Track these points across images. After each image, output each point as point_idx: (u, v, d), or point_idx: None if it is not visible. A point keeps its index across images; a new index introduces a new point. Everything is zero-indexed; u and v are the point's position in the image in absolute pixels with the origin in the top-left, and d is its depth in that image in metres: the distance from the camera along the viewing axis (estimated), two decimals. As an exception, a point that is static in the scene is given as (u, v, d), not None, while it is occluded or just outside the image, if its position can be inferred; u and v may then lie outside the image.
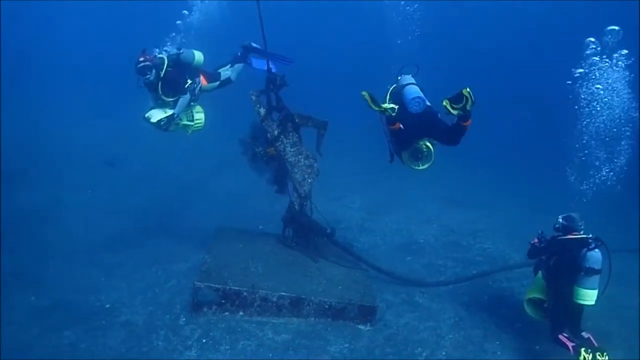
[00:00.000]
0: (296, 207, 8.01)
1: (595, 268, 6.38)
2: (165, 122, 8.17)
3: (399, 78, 7.23)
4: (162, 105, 8.30)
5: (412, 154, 7.23)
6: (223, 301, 6.77)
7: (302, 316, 6.89)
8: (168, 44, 8.48)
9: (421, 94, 6.59)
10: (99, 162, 13.14)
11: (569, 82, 9.78)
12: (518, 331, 7.32)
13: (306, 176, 7.92)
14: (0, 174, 10.27)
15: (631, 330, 7.43)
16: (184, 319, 6.70)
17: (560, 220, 6.92)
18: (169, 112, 8.22)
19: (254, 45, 9.08)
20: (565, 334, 6.52)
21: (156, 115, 8.15)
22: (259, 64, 8.97)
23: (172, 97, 8.24)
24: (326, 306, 6.90)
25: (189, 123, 8.65)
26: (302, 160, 7.91)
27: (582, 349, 6.21)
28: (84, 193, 11.18)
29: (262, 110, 7.78)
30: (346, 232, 10.35)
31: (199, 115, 8.71)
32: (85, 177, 12.02)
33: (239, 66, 9.12)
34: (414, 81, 7.00)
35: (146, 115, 8.19)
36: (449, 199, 13.89)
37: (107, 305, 6.94)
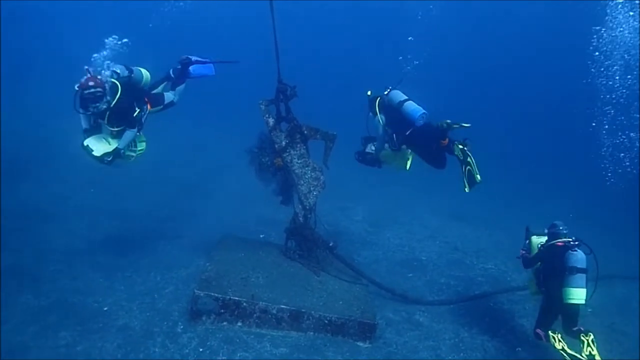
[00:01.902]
0: (300, 219, 7.95)
1: (578, 266, 6.68)
2: (111, 158, 7.27)
3: (387, 92, 8.03)
4: (100, 130, 7.42)
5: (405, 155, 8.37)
6: (222, 311, 6.70)
7: (301, 330, 6.82)
8: (110, 64, 7.26)
9: (423, 110, 7.54)
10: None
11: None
12: (518, 356, 7.23)
13: (312, 188, 7.87)
14: (2, 171, 10.24)
15: (631, 358, 7.38)
16: (181, 327, 6.64)
17: (546, 231, 7.35)
18: (113, 143, 7.33)
19: (194, 58, 8.27)
20: (542, 330, 6.85)
21: (99, 147, 7.21)
22: (201, 71, 8.41)
23: (117, 127, 7.33)
24: (326, 321, 6.83)
25: (131, 153, 7.68)
26: (309, 172, 7.86)
27: (550, 332, 6.63)
28: (86, 192, 11.16)
29: (271, 121, 7.75)
30: (348, 245, 10.28)
31: (142, 145, 7.80)
32: (89, 177, 11.99)
33: (180, 88, 8.26)
34: (406, 97, 7.77)
35: (85, 144, 7.21)
36: (453, 213, 13.86)
37: (105, 308, 6.88)
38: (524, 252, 7.54)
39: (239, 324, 6.75)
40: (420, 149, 7.91)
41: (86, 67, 6.96)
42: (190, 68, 8.23)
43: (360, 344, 6.90)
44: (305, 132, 7.87)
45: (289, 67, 7.77)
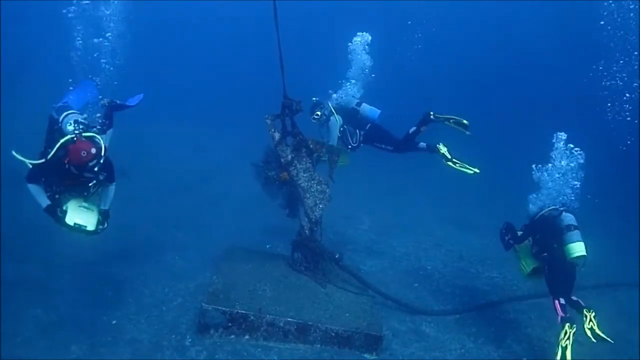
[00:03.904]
0: (306, 232, 8.01)
1: (573, 224, 7.26)
2: (105, 224, 6.58)
3: (342, 97, 9.29)
4: (68, 193, 6.36)
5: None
6: (230, 324, 6.77)
7: (308, 342, 6.88)
8: (76, 116, 6.28)
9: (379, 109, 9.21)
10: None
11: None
12: (524, 366, 7.30)
13: (318, 202, 7.93)
14: (4, 180, 10.22)
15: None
16: (189, 340, 6.71)
17: (531, 206, 7.98)
18: (93, 207, 6.44)
19: (118, 101, 7.57)
20: (562, 301, 7.04)
21: (88, 220, 6.29)
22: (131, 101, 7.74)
23: (95, 188, 6.44)
24: (333, 334, 6.88)
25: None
26: (315, 185, 7.92)
27: (567, 324, 6.74)
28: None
29: (277, 135, 7.81)
30: (354, 255, 10.34)
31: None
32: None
33: (110, 132, 7.29)
34: (358, 99, 9.30)
35: (72, 223, 6.18)
36: (458, 222, 13.87)
37: (114, 321, 6.94)
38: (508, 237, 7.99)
39: (247, 336, 6.82)
40: (381, 139, 9.21)
41: (77, 125, 6.00)
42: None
43: (366, 355, 6.95)
44: (311, 146, 7.95)
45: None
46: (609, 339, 6.55)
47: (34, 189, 6.24)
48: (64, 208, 6.24)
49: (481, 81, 27.80)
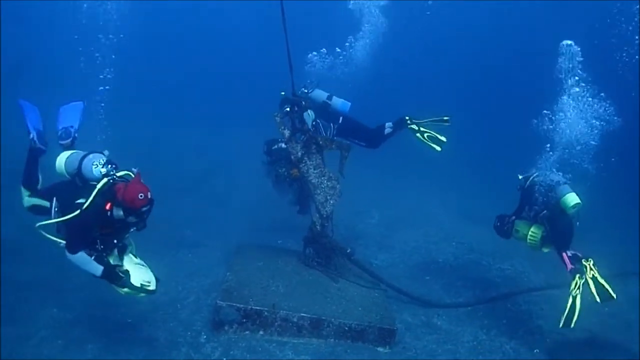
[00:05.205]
0: (318, 227, 8.05)
1: (561, 180, 7.58)
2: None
3: (310, 91, 8.99)
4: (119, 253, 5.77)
5: None
6: (244, 320, 6.83)
7: (322, 337, 6.94)
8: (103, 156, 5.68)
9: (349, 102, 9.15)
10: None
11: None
12: (536, 357, 7.31)
13: (328, 197, 7.98)
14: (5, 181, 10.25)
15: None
16: (204, 337, 6.77)
17: (520, 177, 8.36)
18: (143, 262, 5.94)
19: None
20: (569, 254, 7.25)
21: (149, 276, 5.76)
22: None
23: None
24: (346, 328, 6.94)
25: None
26: (325, 181, 7.96)
27: (577, 275, 6.94)
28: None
29: (287, 132, 7.85)
30: (365, 249, 10.36)
31: None
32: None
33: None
34: (328, 93, 9.16)
35: (138, 284, 5.56)
36: (467, 214, 13.80)
37: (129, 320, 7.01)
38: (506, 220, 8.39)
39: (261, 332, 6.88)
40: (354, 133, 9.19)
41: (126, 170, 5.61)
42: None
43: (380, 349, 7.01)
44: (321, 142, 7.98)
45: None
46: (612, 292, 6.72)
47: (80, 259, 5.45)
48: (122, 267, 5.58)
49: (487, 74, 27.68)
